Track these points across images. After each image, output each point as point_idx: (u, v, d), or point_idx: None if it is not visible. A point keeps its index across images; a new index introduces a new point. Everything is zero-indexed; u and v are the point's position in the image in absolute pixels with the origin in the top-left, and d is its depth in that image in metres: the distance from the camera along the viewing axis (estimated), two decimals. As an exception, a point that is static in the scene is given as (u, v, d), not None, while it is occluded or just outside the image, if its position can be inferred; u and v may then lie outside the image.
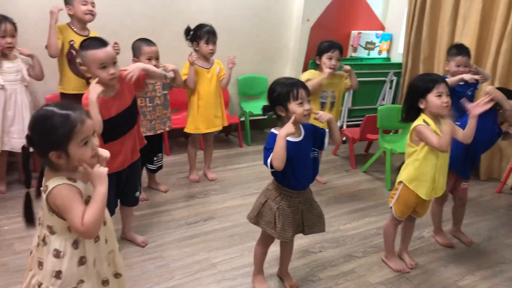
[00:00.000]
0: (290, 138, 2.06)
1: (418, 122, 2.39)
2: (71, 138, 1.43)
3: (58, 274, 1.53)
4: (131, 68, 2.35)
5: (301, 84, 2.10)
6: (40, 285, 1.56)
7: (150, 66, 2.52)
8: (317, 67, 3.46)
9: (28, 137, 1.46)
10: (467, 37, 4.16)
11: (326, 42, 3.41)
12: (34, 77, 3.15)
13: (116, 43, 3.06)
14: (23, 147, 1.49)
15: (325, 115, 2.15)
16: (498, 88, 2.68)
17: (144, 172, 3.33)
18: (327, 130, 2.20)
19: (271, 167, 2.04)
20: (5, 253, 2.54)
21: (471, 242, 3.04)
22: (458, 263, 2.81)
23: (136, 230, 2.80)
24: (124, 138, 2.39)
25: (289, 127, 1.98)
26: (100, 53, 2.17)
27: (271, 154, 2.01)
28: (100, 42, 2.23)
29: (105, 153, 1.57)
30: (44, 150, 1.45)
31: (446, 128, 2.27)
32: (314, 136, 2.19)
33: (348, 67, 3.42)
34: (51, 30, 3.10)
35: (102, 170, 1.49)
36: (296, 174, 2.11)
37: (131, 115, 2.43)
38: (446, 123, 2.29)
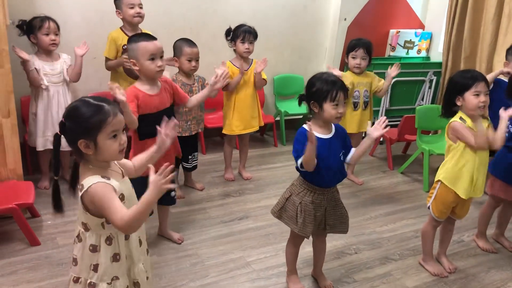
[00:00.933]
0: (319, 135, 2.06)
1: (455, 119, 2.34)
2: (102, 128, 1.47)
3: (96, 267, 1.58)
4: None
5: (341, 85, 2.07)
6: (77, 279, 1.61)
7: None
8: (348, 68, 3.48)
9: (61, 124, 1.51)
10: (512, 35, 4.01)
11: (354, 40, 3.47)
12: (71, 77, 3.21)
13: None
14: (55, 135, 1.54)
15: (376, 132, 2.11)
16: None
17: (181, 170, 3.38)
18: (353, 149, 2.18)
19: (302, 168, 2.06)
20: (49, 246, 2.64)
21: (514, 247, 2.94)
22: (500, 268, 2.72)
23: (172, 227, 2.85)
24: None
25: (311, 146, 1.94)
26: (150, 45, 2.30)
27: (302, 158, 2.02)
28: (150, 36, 2.36)
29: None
30: (74, 137, 1.49)
31: (480, 126, 2.22)
32: (343, 138, 2.17)
33: (392, 75, 3.45)
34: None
35: (163, 183, 1.41)
36: (321, 170, 2.09)
37: (169, 117, 2.48)
38: (479, 121, 2.24)
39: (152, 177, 1.41)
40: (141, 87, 2.38)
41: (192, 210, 3.16)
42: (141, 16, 3.27)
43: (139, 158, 1.79)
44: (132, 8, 3.23)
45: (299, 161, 2.06)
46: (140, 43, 2.30)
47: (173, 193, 2.68)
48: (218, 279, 2.46)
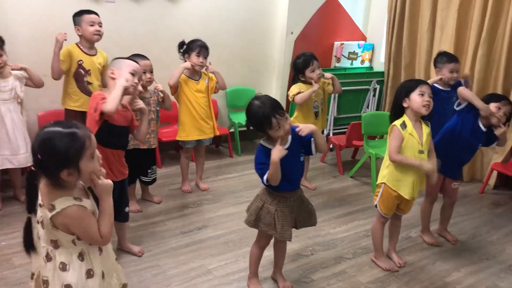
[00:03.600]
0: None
1: (397, 122, 2.53)
2: (82, 155, 1.48)
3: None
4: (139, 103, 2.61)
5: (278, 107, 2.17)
6: None
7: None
8: (299, 80, 3.54)
9: (37, 160, 1.47)
10: (445, 44, 4.33)
11: (298, 58, 3.50)
12: (36, 85, 3.21)
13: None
14: (30, 171, 1.53)
15: (306, 128, 2.19)
16: (492, 94, 2.97)
17: (138, 185, 3.40)
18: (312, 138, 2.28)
19: (268, 184, 2.18)
20: (4, 268, 2.58)
21: (457, 240, 3.16)
22: (444, 260, 2.92)
23: (131, 240, 2.86)
24: (110, 152, 2.45)
25: (280, 150, 2.08)
26: (134, 64, 2.45)
27: (267, 175, 2.14)
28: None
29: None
30: (55, 170, 1.47)
31: (410, 160, 2.49)
32: (300, 141, 2.28)
33: (330, 75, 3.58)
34: (55, 57, 3.20)
35: (108, 182, 1.55)
36: (288, 177, 2.22)
37: (125, 136, 2.58)
38: (431, 160, 2.55)
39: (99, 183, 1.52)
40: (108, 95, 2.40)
41: (151, 223, 3.18)
42: (100, 35, 3.29)
43: None
44: (92, 25, 3.25)
45: (265, 178, 2.16)
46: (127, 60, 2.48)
47: (126, 209, 2.69)
48: (180, 288, 2.51)
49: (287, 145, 2.22)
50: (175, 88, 3.42)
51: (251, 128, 2.26)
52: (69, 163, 1.47)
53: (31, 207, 1.58)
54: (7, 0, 3.45)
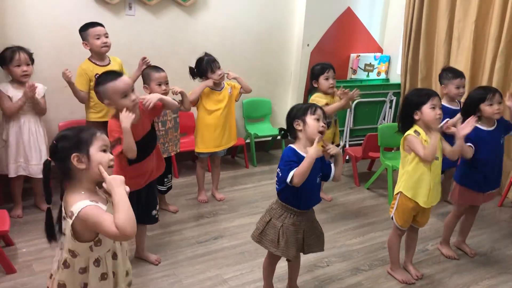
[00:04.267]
0: (304, 155, 2.18)
1: (410, 132, 2.53)
2: (93, 141, 1.59)
3: (85, 286, 1.65)
4: (148, 96, 2.51)
5: (318, 106, 2.29)
6: None
7: (167, 98, 2.67)
8: (315, 90, 3.59)
9: (53, 146, 1.59)
10: (462, 56, 4.32)
11: (317, 65, 3.58)
12: (38, 112, 3.25)
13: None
14: (46, 161, 1.61)
15: (334, 148, 2.24)
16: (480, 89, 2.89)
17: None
18: (332, 163, 2.30)
19: (291, 181, 2.14)
20: (25, 274, 2.64)
21: (475, 253, 3.12)
22: (462, 273, 2.89)
23: (148, 249, 2.89)
24: (148, 160, 2.56)
25: (318, 150, 2.11)
26: (119, 84, 2.31)
27: (296, 170, 2.11)
28: (115, 74, 2.37)
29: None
30: (66, 153, 1.57)
31: (432, 140, 2.41)
32: (321, 163, 2.28)
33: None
34: (72, 87, 3.27)
35: (117, 176, 1.57)
36: (303, 193, 2.20)
37: (153, 138, 2.62)
38: (433, 135, 2.43)
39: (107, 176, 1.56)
40: None
41: (167, 232, 3.21)
42: (107, 46, 3.35)
43: None
44: (98, 38, 3.30)
45: (291, 174, 2.12)
46: (108, 85, 2.30)
47: (154, 212, 2.74)
48: (196, 297, 2.53)
49: None
50: (195, 103, 3.47)
51: (285, 131, 2.32)
52: (80, 147, 1.57)
53: (49, 198, 1.67)
54: (31, 14, 3.56)
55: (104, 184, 1.60)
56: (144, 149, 2.50)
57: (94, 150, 1.60)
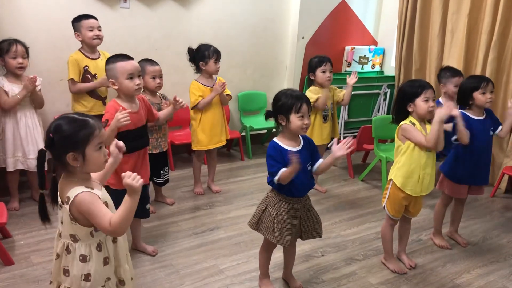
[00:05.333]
0: (288, 148, 2.22)
1: (405, 122, 2.56)
2: (90, 141, 1.58)
3: (87, 277, 1.66)
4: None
5: (305, 99, 2.23)
6: None
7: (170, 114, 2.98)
8: (312, 82, 3.63)
9: (49, 138, 1.57)
10: (456, 48, 4.36)
11: (315, 57, 3.61)
12: (36, 105, 3.25)
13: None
14: (41, 150, 1.63)
15: (340, 151, 2.20)
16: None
17: (151, 186, 3.47)
18: (322, 159, 2.33)
19: (278, 181, 2.18)
20: (23, 266, 2.66)
21: (467, 243, 3.17)
22: (454, 262, 2.94)
23: (145, 241, 2.93)
24: (137, 155, 2.57)
25: (296, 168, 2.09)
26: (128, 65, 2.42)
27: (281, 173, 2.14)
28: (127, 56, 2.47)
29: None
30: (63, 151, 1.57)
31: (434, 125, 2.42)
32: (311, 150, 2.32)
33: (352, 82, 3.63)
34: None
35: (138, 185, 1.54)
36: (294, 181, 2.22)
37: (145, 134, 2.65)
38: (435, 120, 2.44)
39: (125, 180, 1.53)
40: (122, 103, 2.49)
41: (164, 224, 3.25)
42: (100, 38, 3.37)
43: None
44: (91, 30, 3.32)
45: (276, 178, 2.17)
46: (117, 63, 2.42)
47: (147, 206, 2.77)
48: (193, 287, 2.56)
49: (299, 147, 2.26)
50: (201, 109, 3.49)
51: (270, 112, 2.30)
52: (76, 146, 1.57)
53: (43, 184, 1.68)
54: (27, 7, 3.56)
55: (111, 147, 1.72)
56: (134, 140, 2.51)
57: (91, 150, 1.59)
